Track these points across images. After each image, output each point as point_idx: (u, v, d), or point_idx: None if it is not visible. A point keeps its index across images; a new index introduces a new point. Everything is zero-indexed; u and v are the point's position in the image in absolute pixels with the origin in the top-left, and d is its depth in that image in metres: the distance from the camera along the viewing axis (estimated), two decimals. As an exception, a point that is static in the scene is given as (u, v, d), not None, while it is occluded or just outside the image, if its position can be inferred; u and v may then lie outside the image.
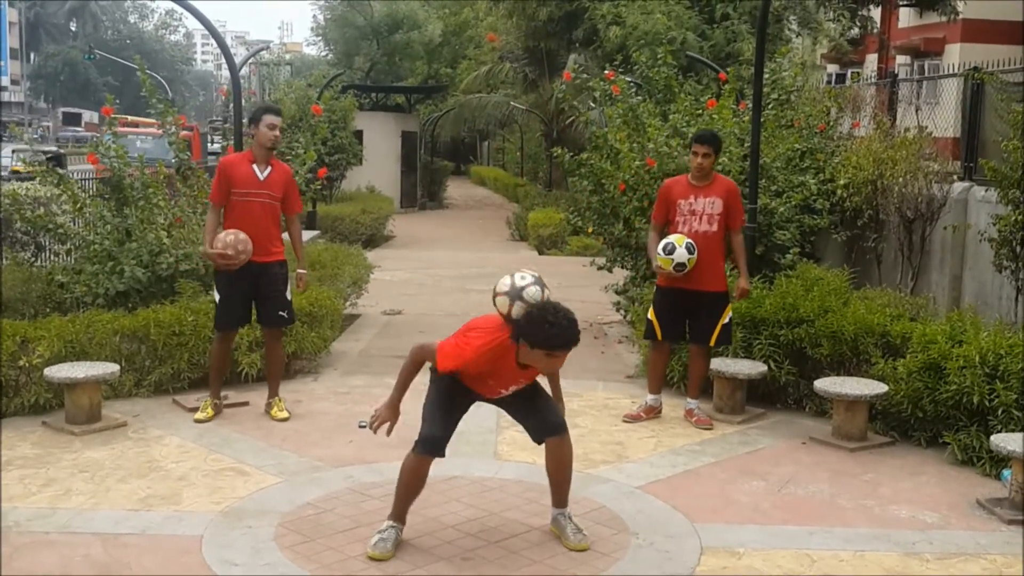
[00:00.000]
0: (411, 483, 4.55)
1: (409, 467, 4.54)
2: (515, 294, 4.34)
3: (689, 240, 6.44)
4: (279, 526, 4.79)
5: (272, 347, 6.78)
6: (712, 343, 6.64)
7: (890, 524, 5.01)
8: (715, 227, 6.55)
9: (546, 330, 4.17)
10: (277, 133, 6.50)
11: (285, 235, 6.86)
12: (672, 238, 6.47)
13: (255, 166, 6.50)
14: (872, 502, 5.32)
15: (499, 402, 4.68)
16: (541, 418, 4.61)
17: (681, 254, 6.39)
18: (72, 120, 59.50)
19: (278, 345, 6.81)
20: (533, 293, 4.34)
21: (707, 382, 6.98)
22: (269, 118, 6.50)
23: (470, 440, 6.15)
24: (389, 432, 4.61)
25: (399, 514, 4.60)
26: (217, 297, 6.59)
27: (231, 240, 6.31)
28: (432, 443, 4.48)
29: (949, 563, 4.56)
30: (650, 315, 6.77)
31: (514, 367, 4.37)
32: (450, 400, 4.56)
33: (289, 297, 6.70)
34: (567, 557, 4.50)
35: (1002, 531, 4.95)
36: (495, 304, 4.41)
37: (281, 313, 6.64)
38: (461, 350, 4.34)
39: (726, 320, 6.61)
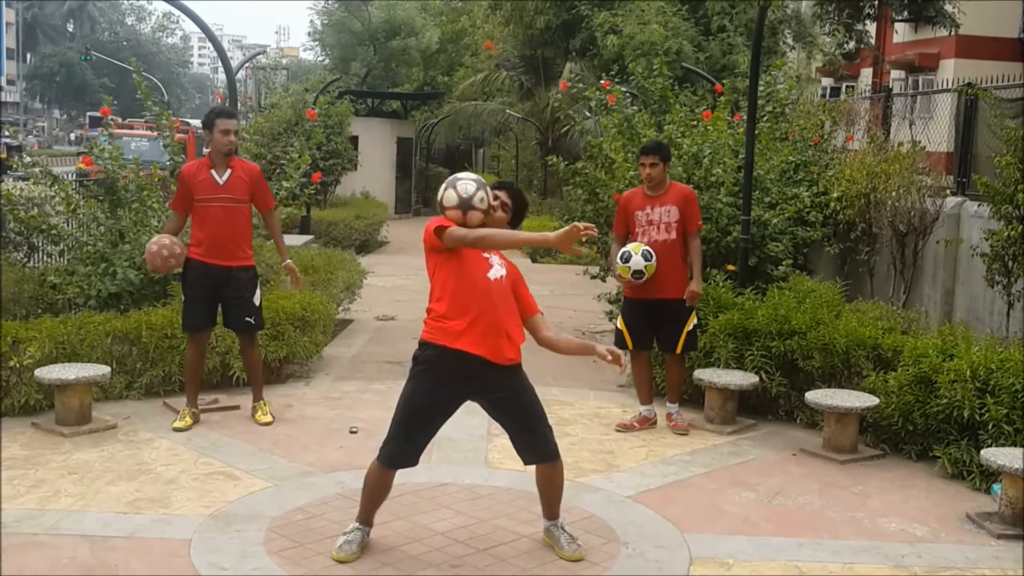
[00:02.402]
0: (375, 491, 4.55)
1: (372, 475, 4.52)
2: (465, 205, 4.33)
3: (646, 248, 6.53)
4: (268, 531, 4.78)
5: (248, 352, 6.73)
6: (679, 350, 6.71)
7: (879, 537, 5.02)
8: (673, 235, 6.65)
9: None
10: (232, 138, 6.40)
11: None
12: (629, 247, 6.57)
13: (214, 171, 6.42)
14: (862, 515, 5.32)
15: (492, 406, 4.57)
16: (534, 440, 4.52)
17: (637, 261, 6.46)
18: (98, 123, 60.19)
19: (253, 349, 6.75)
20: (481, 197, 4.35)
21: (697, 390, 7.01)
22: (222, 122, 6.38)
23: (461, 447, 6.15)
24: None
25: (366, 517, 4.59)
26: (183, 298, 6.56)
27: (150, 250, 6.26)
28: (394, 460, 4.49)
29: (938, 577, 4.57)
30: (619, 324, 6.89)
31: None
32: (422, 414, 4.43)
33: (257, 303, 6.61)
34: (556, 565, 4.49)
35: (991, 545, 4.96)
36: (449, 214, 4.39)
37: (248, 319, 6.55)
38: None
39: (691, 327, 6.70)
